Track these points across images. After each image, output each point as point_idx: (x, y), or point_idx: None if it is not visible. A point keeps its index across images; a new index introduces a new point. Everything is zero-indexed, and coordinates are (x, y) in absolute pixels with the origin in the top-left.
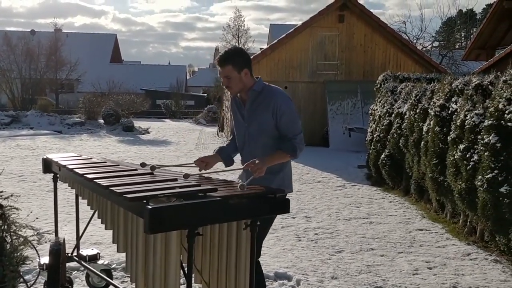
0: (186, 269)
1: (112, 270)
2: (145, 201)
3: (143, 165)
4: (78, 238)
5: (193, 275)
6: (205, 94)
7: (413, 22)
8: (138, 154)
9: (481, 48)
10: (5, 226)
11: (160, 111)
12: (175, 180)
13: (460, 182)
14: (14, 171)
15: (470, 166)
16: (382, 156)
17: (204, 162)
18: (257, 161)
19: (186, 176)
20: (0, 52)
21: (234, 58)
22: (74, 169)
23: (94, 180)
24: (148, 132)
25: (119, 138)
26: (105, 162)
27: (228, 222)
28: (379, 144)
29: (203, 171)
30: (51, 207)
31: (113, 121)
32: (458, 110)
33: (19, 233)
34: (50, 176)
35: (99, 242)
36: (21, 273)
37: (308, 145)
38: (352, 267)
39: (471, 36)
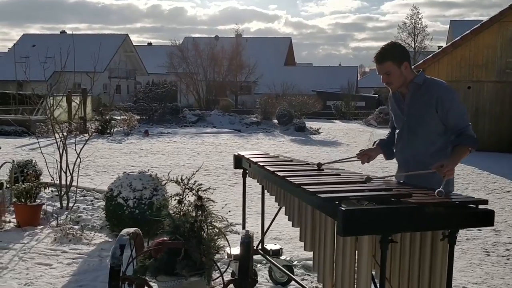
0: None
1: (293, 267)
2: (337, 202)
3: (319, 165)
4: (263, 232)
5: None
6: (376, 95)
7: None
8: (309, 154)
9: None
10: (203, 217)
11: (330, 112)
12: (364, 182)
13: None
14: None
15: None
16: None
17: (367, 155)
18: (445, 163)
19: (368, 179)
20: (190, 57)
21: (392, 52)
22: (265, 166)
23: (286, 178)
24: (319, 133)
25: (292, 137)
26: (292, 160)
27: (423, 231)
28: None
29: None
30: (233, 200)
31: (286, 121)
32: None
33: (215, 224)
34: (232, 171)
35: (278, 237)
36: (215, 261)
37: (494, 151)
38: None
39: None
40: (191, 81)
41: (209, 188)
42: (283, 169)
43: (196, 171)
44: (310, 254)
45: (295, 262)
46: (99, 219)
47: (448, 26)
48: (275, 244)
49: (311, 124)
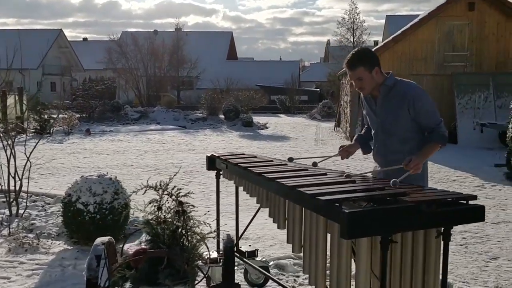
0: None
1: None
2: (337, 204)
3: (290, 159)
4: (238, 234)
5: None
6: (318, 89)
7: None
8: (260, 149)
9: None
10: (185, 224)
11: (274, 106)
12: (354, 182)
13: None
14: (149, 164)
15: None
16: None
17: (346, 152)
18: (413, 158)
19: (347, 177)
20: (129, 52)
21: (364, 58)
22: (249, 168)
23: (276, 180)
24: (266, 127)
25: (240, 133)
26: (272, 160)
27: (421, 229)
28: None
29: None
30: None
31: (233, 116)
32: None
33: (197, 230)
34: (184, 169)
35: (245, 237)
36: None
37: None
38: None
39: None
40: (130, 77)
41: (189, 193)
42: (269, 170)
43: (174, 175)
44: (281, 253)
45: (272, 263)
46: (54, 226)
47: (383, 21)
48: (249, 245)
49: (258, 119)
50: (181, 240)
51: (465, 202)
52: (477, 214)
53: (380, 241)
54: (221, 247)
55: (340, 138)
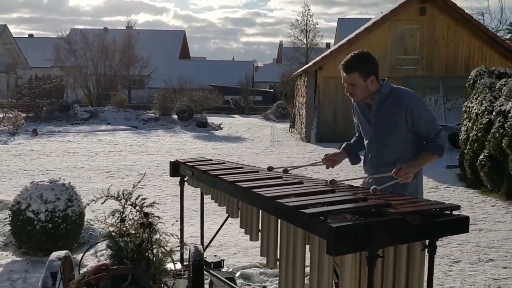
0: None
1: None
2: (322, 217)
3: (270, 169)
4: (203, 244)
5: None
6: (272, 90)
7: (492, 14)
8: (216, 150)
9: None
10: (151, 237)
11: (228, 106)
12: (333, 191)
13: None
14: (101, 166)
15: None
16: (481, 156)
17: (331, 160)
18: (403, 166)
19: (332, 182)
20: (78, 49)
21: (361, 65)
22: (220, 176)
23: (252, 190)
24: (221, 128)
25: (194, 134)
26: (242, 167)
27: (407, 242)
28: (476, 144)
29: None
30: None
31: (187, 117)
32: None
33: (162, 243)
34: (137, 172)
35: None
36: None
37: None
38: (479, 281)
39: None
40: (80, 75)
41: (154, 203)
42: (242, 179)
43: (138, 182)
44: (246, 261)
45: (238, 274)
46: (1, 235)
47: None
48: (215, 255)
49: (212, 119)
50: (146, 254)
51: (449, 212)
52: (462, 225)
53: (367, 256)
54: (185, 257)
55: (296, 139)
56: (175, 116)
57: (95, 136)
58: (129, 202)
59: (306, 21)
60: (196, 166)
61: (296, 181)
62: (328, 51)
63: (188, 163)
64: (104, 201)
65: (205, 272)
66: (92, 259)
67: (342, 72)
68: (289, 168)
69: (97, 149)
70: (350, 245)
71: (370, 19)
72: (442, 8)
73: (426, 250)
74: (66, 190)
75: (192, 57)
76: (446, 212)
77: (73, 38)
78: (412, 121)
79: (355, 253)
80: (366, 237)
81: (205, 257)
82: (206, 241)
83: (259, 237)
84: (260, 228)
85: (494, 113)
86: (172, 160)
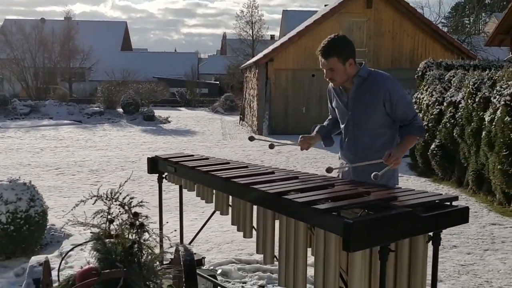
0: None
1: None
2: (335, 213)
3: (251, 138)
4: (183, 241)
5: None
6: (218, 82)
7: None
8: (167, 144)
9: (505, 33)
10: (140, 238)
11: (174, 99)
12: (333, 186)
13: None
14: (49, 163)
15: None
16: (432, 146)
17: (307, 143)
18: (392, 152)
19: (329, 170)
20: (14, 41)
21: (339, 48)
22: (210, 172)
23: (252, 187)
24: (169, 122)
25: (142, 127)
26: (228, 162)
27: (416, 235)
28: (427, 134)
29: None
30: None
31: (133, 110)
32: None
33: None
34: (88, 168)
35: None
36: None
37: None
38: (448, 268)
39: (480, 21)
40: (17, 68)
41: (141, 202)
42: (236, 175)
43: (126, 181)
44: (221, 258)
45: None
46: None
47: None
48: (195, 253)
49: (158, 113)
50: (137, 256)
51: (449, 203)
52: (463, 215)
53: (379, 250)
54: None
55: (247, 132)
56: (120, 110)
57: (38, 132)
58: (116, 202)
59: (252, 12)
60: (181, 162)
61: (291, 176)
62: (279, 43)
63: (171, 159)
64: (94, 202)
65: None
66: (57, 261)
67: (320, 58)
68: (275, 144)
69: (42, 145)
70: (366, 240)
71: (316, 11)
72: (388, 1)
73: (431, 242)
74: (28, 189)
75: (134, 48)
76: (446, 203)
77: (8, 29)
78: (391, 104)
79: (367, 248)
80: (380, 231)
81: None
82: (185, 239)
83: (253, 234)
84: (256, 225)
85: (444, 104)
86: (150, 157)
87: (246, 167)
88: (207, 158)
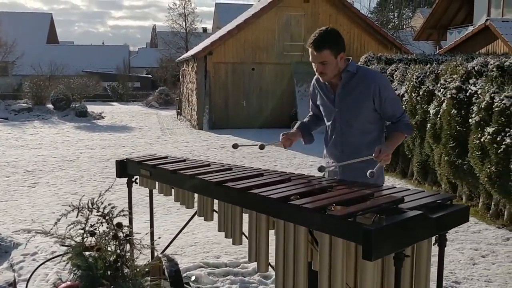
0: None
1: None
2: (351, 219)
3: (235, 146)
4: (155, 249)
5: None
6: (150, 76)
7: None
8: (105, 142)
9: (433, 28)
10: (124, 251)
11: (105, 94)
12: (331, 187)
13: (489, 166)
14: None
15: (502, 149)
16: None
17: (290, 140)
18: (382, 148)
19: (321, 169)
20: None
21: (332, 40)
22: (198, 176)
23: (250, 192)
24: (103, 117)
25: (75, 124)
26: (209, 165)
27: (426, 238)
28: None
29: None
30: (46, 205)
31: (64, 106)
32: (479, 92)
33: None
34: (23, 169)
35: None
36: None
37: (278, 127)
38: None
39: (403, 16)
40: None
41: (122, 211)
42: (226, 178)
43: (106, 191)
44: (188, 262)
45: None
46: None
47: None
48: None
49: (91, 108)
50: (121, 270)
51: (450, 203)
52: (465, 215)
53: (394, 256)
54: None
55: (186, 126)
56: (50, 106)
57: None
58: (95, 212)
59: (184, 5)
60: (159, 166)
61: (283, 178)
62: (217, 36)
63: (146, 162)
64: (78, 214)
65: (162, 280)
66: (7, 272)
67: (311, 51)
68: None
69: None
70: (384, 247)
71: (250, 5)
72: None
73: (437, 243)
74: None
75: (60, 41)
76: (447, 203)
77: None
78: (380, 101)
79: (386, 255)
80: (397, 237)
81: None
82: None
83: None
84: (248, 231)
85: None
86: (119, 160)
87: (231, 169)
88: (184, 160)
